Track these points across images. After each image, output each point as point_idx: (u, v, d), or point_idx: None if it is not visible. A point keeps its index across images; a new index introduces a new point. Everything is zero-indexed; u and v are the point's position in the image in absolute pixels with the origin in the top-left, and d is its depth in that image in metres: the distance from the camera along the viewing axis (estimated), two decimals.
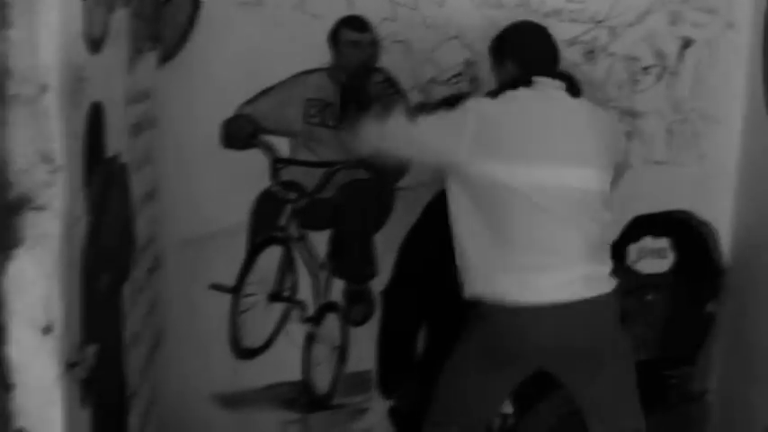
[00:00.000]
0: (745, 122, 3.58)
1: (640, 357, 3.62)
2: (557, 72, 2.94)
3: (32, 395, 1.89)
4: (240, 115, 3.30)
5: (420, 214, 3.48)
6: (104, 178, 2.30)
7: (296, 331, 3.52)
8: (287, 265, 3.47)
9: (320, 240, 3.49)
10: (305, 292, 3.51)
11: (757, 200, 3.51)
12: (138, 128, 2.83)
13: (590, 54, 3.48)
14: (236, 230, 3.37)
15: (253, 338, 3.49)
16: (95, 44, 2.19)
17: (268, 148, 3.35)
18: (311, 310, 3.53)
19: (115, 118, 2.41)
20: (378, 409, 3.64)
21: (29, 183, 1.83)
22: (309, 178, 3.42)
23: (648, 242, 3.67)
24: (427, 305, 3.55)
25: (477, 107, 2.84)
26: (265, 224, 3.41)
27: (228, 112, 3.29)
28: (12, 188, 1.83)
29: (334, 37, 3.32)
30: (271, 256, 3.45)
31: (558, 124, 2.83)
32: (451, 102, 3.02)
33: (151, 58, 3.09)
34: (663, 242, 3.68)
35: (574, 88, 2.91)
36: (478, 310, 2.83)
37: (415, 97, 3.39)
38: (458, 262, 2.87)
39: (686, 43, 3.54)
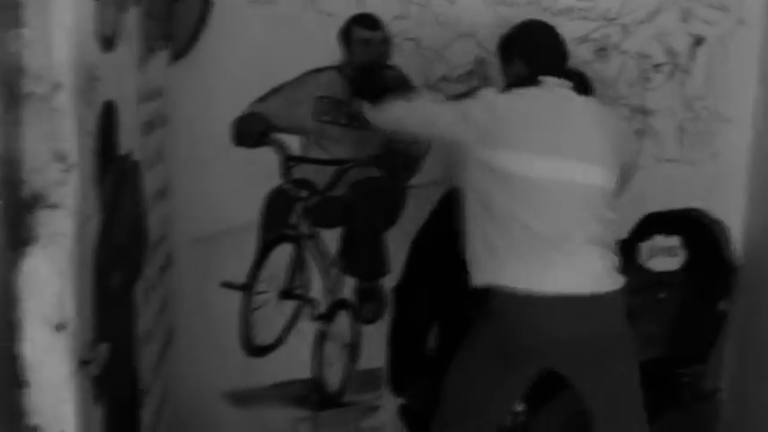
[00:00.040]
0: (757, 120, 3.57)
1: (652, 355, 3.63)
2: (565, 71, 2.96)
3: (46, 392, 1.90)
4: (251, 113, 3.31)
5: (431, 212, 3.48)
6: (116, 176, 2.31)
7: (307, 329, 3.53)
8: (298, 263, 3.47)
9: (331, 238, 3.50)
10: (316, 289, 3.52)
11: None
12: (149, 126, 2.84)
13: (601, 52, 3.48)
14: (247, 228, 3.38)
15: (264, 336, 3.50)
16: (108, 43, 2.20)
17: (279, 146, 3.36)
18: (322, 308, 3.53)
19: (127, 116, 2.42)
20: (388, 406, 3.65)
21: (42, 181, 1.84)
22: (321, 176, 3.42)
23: (660, 240, 3.66)
24: (438, 303, 3.55)
25: (489, 95, 2.89)
26: (277, 222, 3.42)
27: (240, 110, 3.30)
28: (25, 186, 1.84)
29: (346, 35, 3.32)
30: (282, 254, 3.45)
31: (564, 119, 2.85)
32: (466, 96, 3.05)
33: (163, 56, 3.10)
34: (674, 240, 3.68)
35: (583, 87, 2.91)
36: (488, 307, 2.83)
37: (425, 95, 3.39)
38: (466, 250, 2.89)
39: (698, 40, 3.53)
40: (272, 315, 3.49)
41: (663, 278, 3.67)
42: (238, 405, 3.51)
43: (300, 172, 3.40)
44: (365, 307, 3.55)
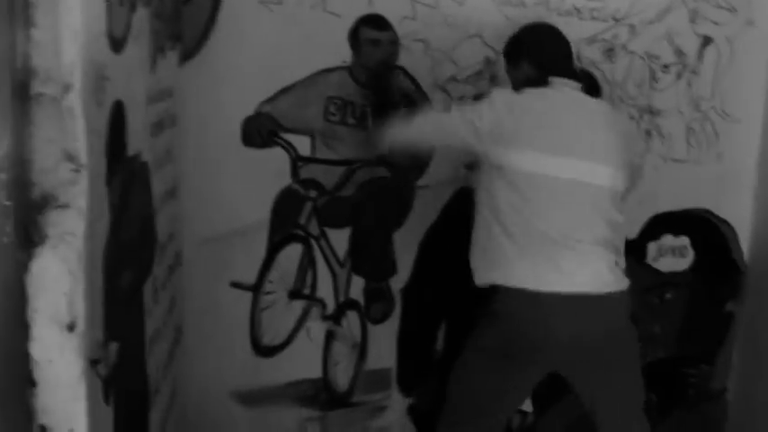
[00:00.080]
0: (765, 120, 3.57)
1: (660, 355, 3.63)
2: (572, 72, 2.97)
3: (56, 392, 1.90)
4: (260, 113, 3.31)
5: (440, 212, 3.49)
6: (126, 176, 2.31)
7: (316, 329, 3.53)
8: (307, 263, 3.48)
9: (340, 238, 3.50)
10: (325, 289, 3.52)
11: None
12: (159, 126, 2.84)
13: (610, 52, 3.48)
14: (256, 228, 3.38)
15: (273, 336, 3.51)
16: (117, 43, 2.21)
17: (288, 147, 3.36)
18: (331, 308, 3.54)
19: (137, 116, 2.42)
20: (397, 406, 3.65)
21: (52, 181, 1.84)
22: (329, 176, 3.42)
23: (668, 240, 3.66)
24: (447, 303, 3.56)
25: (505, 94, 2.91)
26: (286, 222, 3.42)
27: (249, 110, 3.30)
28: (35, 187, 1.84)
29: (354, 35, 3.33)
30: (291, 254, 3.46)
31: (574, 120, 2.87)
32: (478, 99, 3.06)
33: (172, 56, 3.10)
34: (682, 240, 3.67)
35: (592, 88, 2.92)
36: (493, 306, 2.83)
37: (434, 96, 3.40)
38: (472, 249, 2.90)
39: (706, 41, 3.53)
40: (281, 315, 3.50)
41: (671, 278, 3.67)
42: (247, 404, 3.52)
43: (309, 172, 3.40)
44: (373, 307, 3.56)
